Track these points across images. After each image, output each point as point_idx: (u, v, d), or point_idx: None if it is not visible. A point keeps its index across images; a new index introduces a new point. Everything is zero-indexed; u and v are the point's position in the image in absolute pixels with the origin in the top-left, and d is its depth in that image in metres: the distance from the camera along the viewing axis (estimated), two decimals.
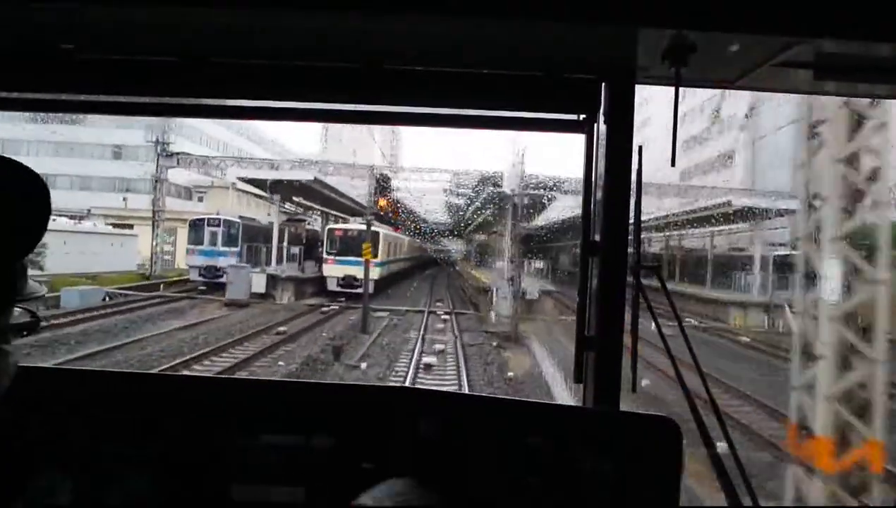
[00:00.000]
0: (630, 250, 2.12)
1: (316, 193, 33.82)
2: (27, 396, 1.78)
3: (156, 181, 37.53)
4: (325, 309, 29.03)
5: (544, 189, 27.90)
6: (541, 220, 34.24)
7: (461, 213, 47.62)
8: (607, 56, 1.98)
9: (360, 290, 33.81)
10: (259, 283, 31.44)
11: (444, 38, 1.88)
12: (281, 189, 33.07)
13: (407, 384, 15.11)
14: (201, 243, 35.53)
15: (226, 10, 1.68)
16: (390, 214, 40.52)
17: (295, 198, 35.74)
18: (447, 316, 28.43)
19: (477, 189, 35.84)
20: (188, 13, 1.73)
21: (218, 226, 35.63)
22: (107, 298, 28.32)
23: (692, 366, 2.00)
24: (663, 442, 1.86)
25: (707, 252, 41.28)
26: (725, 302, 33.87)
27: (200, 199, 56.38)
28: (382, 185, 24.67)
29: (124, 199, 53.11)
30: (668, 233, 44.15)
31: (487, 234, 44.94)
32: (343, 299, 32.41)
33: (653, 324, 1.97)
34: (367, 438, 1.95)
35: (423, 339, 22.31)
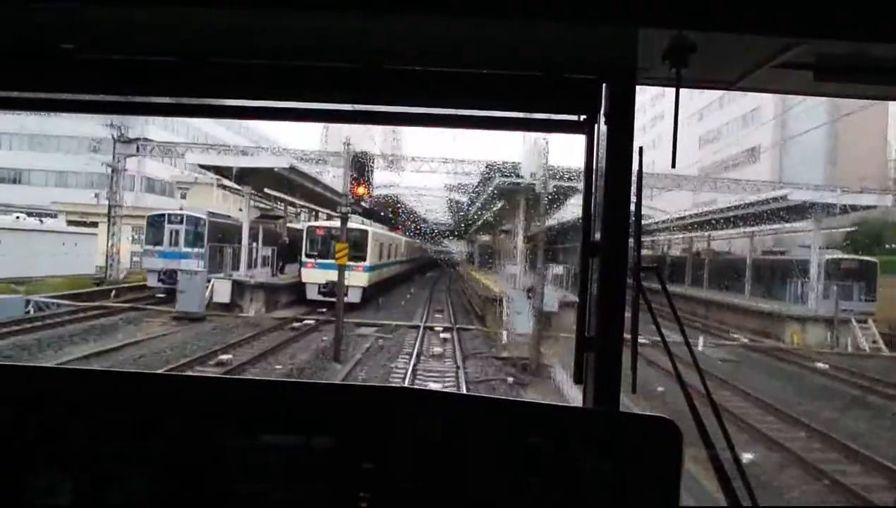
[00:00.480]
0: (630, 251, 2.04)
1: (293, 185, 27.79)
2: (27, 396, 1.89)
3: (112, 171, 31.62)
4: (296, 324, 23.02)
5: (570, 179, 21.76)
6: (563, 217, 28.02)
7: (465, 212, 42.61)
8: (607, 56, 1.93)
9: (345, 300, 27.91)
10: (222, 292, 25.45)
11: (444, 38, 1.84)
12: (251, 179, 27.08)
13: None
14: (161, 243, 29.61)
15: (226, 10, 1.64)
16: (390, 214, 35.70)
17: (269, 191, 29.66)
18: (447, 334, 22.38)
19: (485, 182, 29.96)
20: (188, 13, 1.69)
21: (180, 223, 29.68)
22: (31, 310, 22.41)
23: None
24: (663, 443, 1.78)
25: (746, 254, 35.13)
26: (776, 314, 27.67)
27: (184, 196, 50.71)
28: (360, 169, 18.74)
29: (96, 196, 47.23)
30: (695, 234, 38.27)
31: (496, 234, 38.76)
32: (325, 310, 26.70)
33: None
34: (367, 438, 1.88)
35: (415, 372, 16.26)
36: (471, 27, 1.67)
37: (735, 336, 26.43)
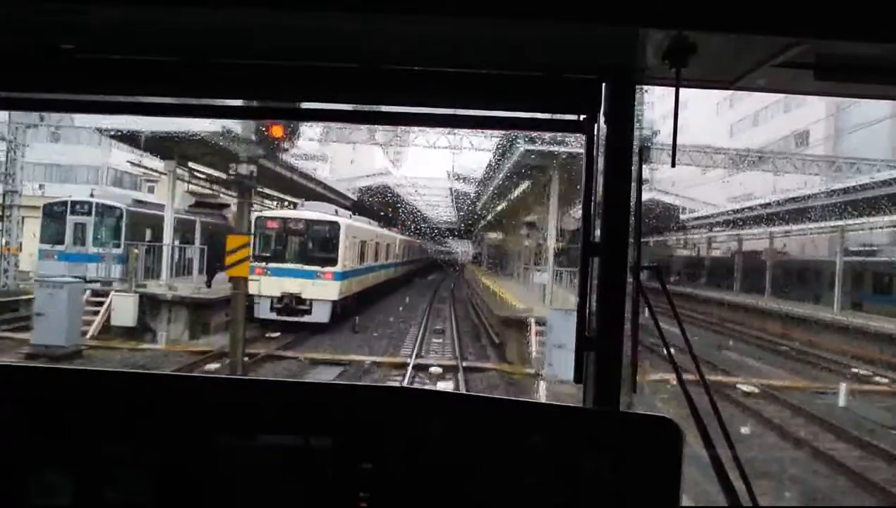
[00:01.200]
0: (630, 250, 1.99)
1: (233, 159, 19.20)
2: (27, 396, 1.84)
3: (8, 150, 23.21)
4: (217, 365, 14.41)
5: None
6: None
7: (471, 206, 34.53)
8: (607, 56, 1.87)
9: (308, 319, 19.42)
10: (123, 311, 16.96)
11: (444, 38, 1.79)
12: (176, 151, 18.62)
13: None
14: (62, 241, 21.20)
15: (226, 10, 1.59)
16: (389, 212, 31.06)
17: (209, 172, 21.13)
18: (449, 382, 13.82)
19: (500, 160, 21.53)
20: (188, 13, 1.65)
21: (88, 213, 21.28)
22: None
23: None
24: (663, 442, 1.73)
25: (832, 255, 26.61)
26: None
27: (151, 190, 42.51)
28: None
29: (40, 186, 38.94)
30: (760, 230, 29.86)
31: (513, 230, 30.10)
32: (278, 334, 18.37)
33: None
34: (366, 438, 1.84)
35: None
36: (471, 27, 1.65)
37: (858, 371, 17.81)
